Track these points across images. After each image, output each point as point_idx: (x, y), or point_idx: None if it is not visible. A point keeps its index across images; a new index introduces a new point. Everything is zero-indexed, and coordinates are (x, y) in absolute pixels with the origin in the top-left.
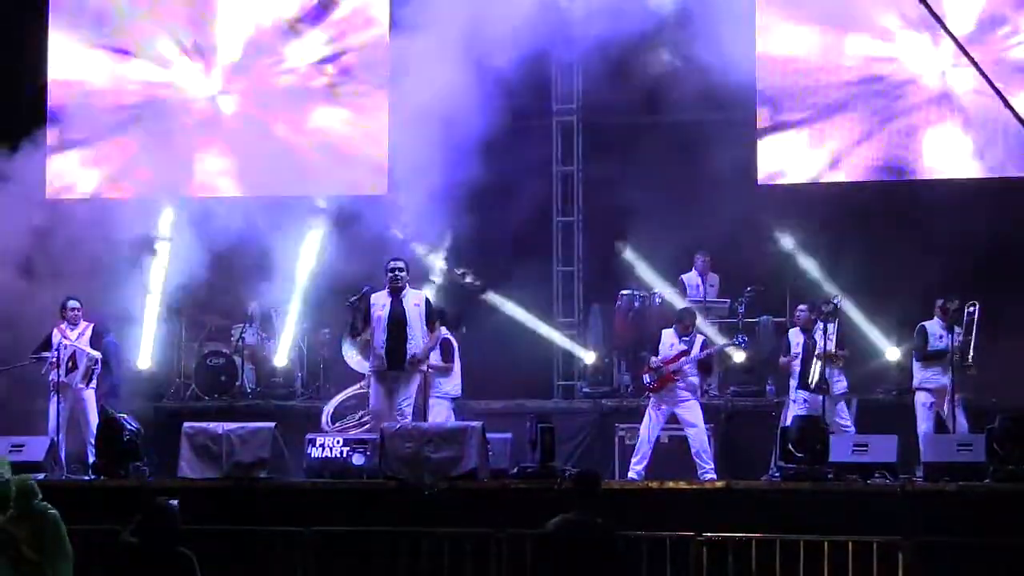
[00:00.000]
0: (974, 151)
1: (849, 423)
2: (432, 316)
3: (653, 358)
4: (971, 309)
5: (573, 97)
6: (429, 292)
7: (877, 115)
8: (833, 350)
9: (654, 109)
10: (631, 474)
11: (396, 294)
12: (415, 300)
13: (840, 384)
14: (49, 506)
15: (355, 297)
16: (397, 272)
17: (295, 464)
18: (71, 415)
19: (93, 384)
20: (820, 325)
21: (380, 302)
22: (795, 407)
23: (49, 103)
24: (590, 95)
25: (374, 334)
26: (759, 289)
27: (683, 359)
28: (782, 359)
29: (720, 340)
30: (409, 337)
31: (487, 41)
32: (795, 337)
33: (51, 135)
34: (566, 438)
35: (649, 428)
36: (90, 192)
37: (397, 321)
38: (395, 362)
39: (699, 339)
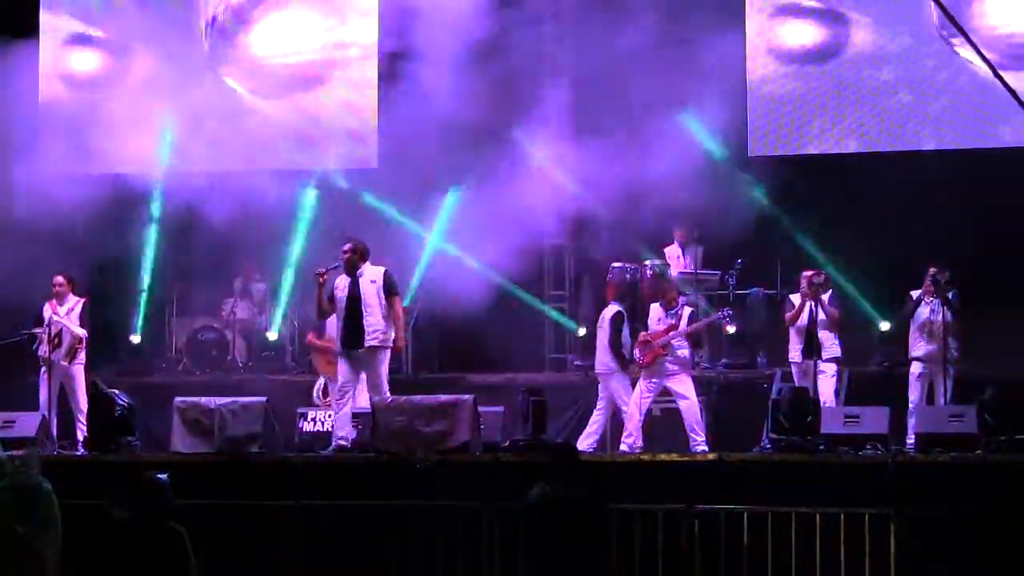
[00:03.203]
0: (966, 121)
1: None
2: (393, 290)
3: (642, 333)
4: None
5: (563, 69)
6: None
7: (868, 87)
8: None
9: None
10: (622, 447)
11: (353, 274)
12: (372, 277)
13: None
14: (44, 480)
15: (321, 270)
16: (347, 252)
17: (286, 438)
18: (61, 390)
19: (79, 361)
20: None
21: (341, 284)
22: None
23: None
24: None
25: (337, 315)
26: (746, 263)
27: (671, 333)
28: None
29: (709, 313)
30: (365, 315)
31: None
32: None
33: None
34: (558, 411)
35: (639, 402)
36: (80, 166)
37: (353, 301)
38: (352, 342)
39: (686, 311)
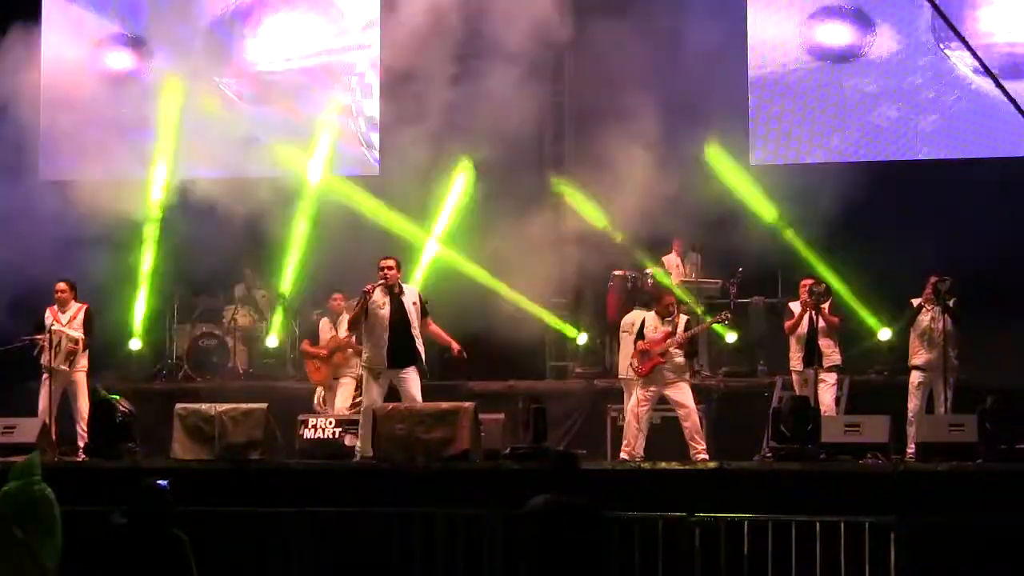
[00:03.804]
0: (967, 131)
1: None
2: (427, 313)
3: (639, 342)
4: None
5: (563, 77)
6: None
7: (870, 95)
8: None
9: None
10: (621, 455)
11: (391, 291)
12: (412, 298)
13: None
14: (45, 486)
15: (369, 287)
16: (387, 271)
17: (287, 445)
18: (63, 397)
19: (81, 367)
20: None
21: (379, 299)
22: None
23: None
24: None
25: (374, 331)
26: (746, 271)
27: (669, 341)
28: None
29: (706, 320)
30: (414, 336)
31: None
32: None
33: (43, 114)
34: (559, 419)
35: (637, 410)
36: (82, 172)
37: (401, 321)
38: (399, 362)
39: (682, 319)
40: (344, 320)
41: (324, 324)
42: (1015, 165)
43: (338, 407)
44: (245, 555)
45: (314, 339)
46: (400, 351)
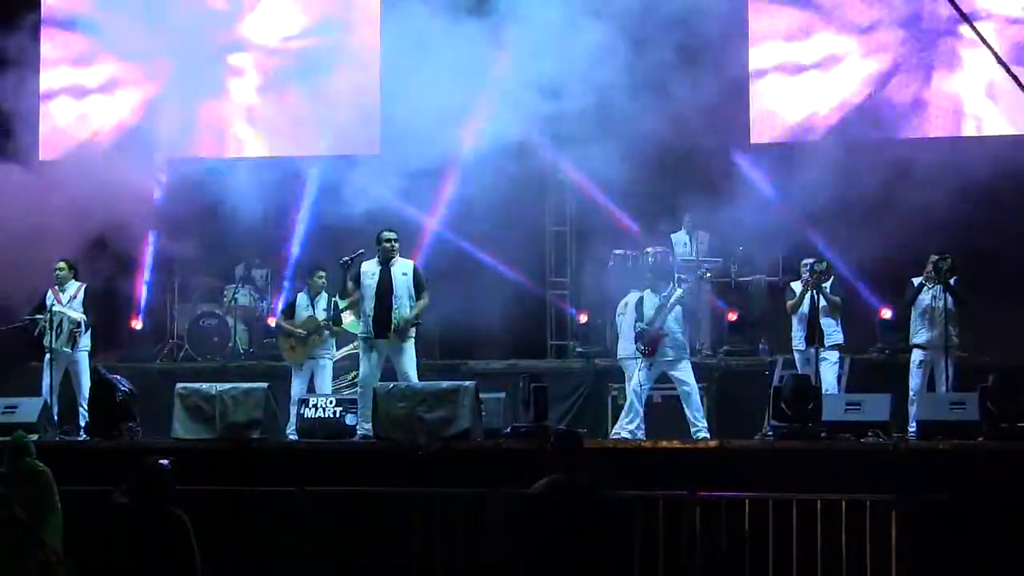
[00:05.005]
0: (969, 109)
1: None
2: (422, 287)
3: (638, 323)
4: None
5: None
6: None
7: (872, 71)
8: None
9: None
10: (624, 433)
11: (386, 263)
12: (403, 269)
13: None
14: (40, 464)
15: (347, 258)
16: (392, 242)
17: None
18: (65, 376)
19: (83, 347)
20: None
21: (370, 270)
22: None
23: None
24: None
25: (363, 301)
26: (747, 250)
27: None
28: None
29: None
30: (395, 306)
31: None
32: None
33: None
34: (560, 398)
35: (638, 389)
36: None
37: (385, 290)
38: (381, 330)
39: (676, 293)
40: (323, 299)
41: (301, 299)
42: (1016, 143)
43: (320, 390)
44: (245, 534)
45: (290, 314)
46: (382, 320)
